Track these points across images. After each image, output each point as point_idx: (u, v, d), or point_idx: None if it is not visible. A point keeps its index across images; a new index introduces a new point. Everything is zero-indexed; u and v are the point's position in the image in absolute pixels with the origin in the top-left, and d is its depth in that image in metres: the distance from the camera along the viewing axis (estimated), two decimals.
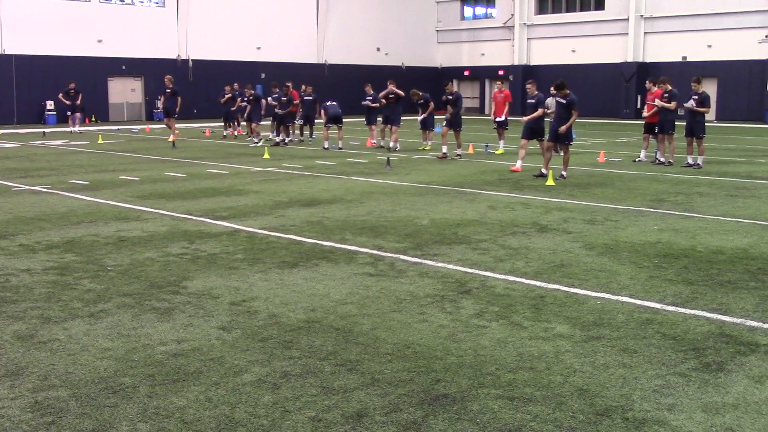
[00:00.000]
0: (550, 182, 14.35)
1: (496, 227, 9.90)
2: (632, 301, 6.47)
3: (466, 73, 53.07)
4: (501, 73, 49.20)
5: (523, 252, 8.37)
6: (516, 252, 8.37)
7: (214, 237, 9.21)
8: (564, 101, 15.06)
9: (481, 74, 52.33)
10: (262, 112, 25.01)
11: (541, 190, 13.58)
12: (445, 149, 19.57)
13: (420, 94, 22.35)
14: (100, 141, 25.06)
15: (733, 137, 29.18)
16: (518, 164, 16.47)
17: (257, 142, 23.33)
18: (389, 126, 23.42)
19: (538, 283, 7.00)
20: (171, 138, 24.98)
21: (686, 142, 17.85)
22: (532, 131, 16.48)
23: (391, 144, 23.66)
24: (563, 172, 15.07)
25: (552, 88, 15.95)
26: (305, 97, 24.54)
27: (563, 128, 14.85)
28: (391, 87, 22.43)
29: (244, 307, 6.21)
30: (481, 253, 8.28)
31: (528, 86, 17.58)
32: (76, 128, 30.34)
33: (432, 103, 22.82)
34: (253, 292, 6.66)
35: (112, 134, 29.14)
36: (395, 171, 16.84)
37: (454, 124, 19.76)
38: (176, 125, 26.33)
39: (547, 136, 15.85)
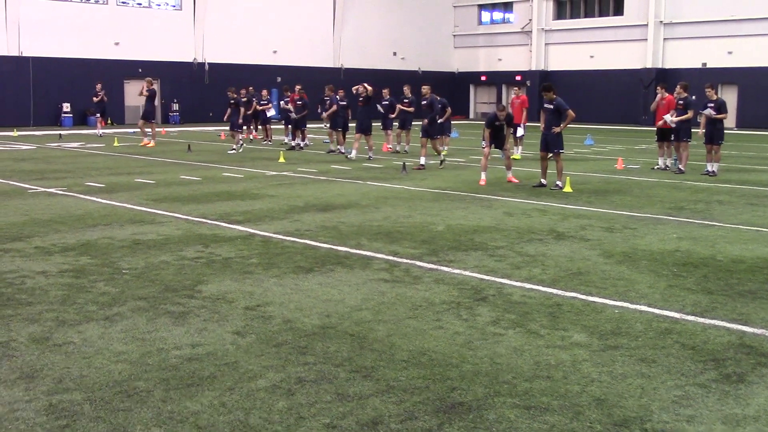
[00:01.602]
0: (567, 189, 14.29)
1: (512, 234, 9.87)
2: (651, 310, 6.43)
3: (483, 78, 53.07)
4: (518, 78, 49.16)
5: (540, 259, 8.33)
6: (533, 259, 8.34)
7: (229, 241, 9.24)
8: (551, 106, 14.60)
9: (498, 80, 52.30)
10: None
11: (558, 197, 13.53)
12: (422, 160, 18.38)
13: (413, 94, 22.33)
14: (116, 144, 25.22)
15: (754, 145, 28.96)
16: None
17: (235, 149, 22.80)
18: (404, 130, 23.47)
19: (555, 291, 6.97)
20: (148, 143, 25.00)
21: (706, 149, 17.67)
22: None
23: (406, 147, 23.72)
24: (558, 182, 14.65)
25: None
26: (339, 102, 24.31)
27: (557, 130, 14.49)
28: (362, 86, 21.35)
29: (258, 312, 6.22)
30: (497, 260, 8.26)
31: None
32: (99, 131, 30.27)
33: (449, 108, 22.81)
34: (267, 297, 6.67)
35: (128, 137, 29.31)
36: (411, 176, 16.83)
37: (431, 131, 18.56)
38: (156, 130, 26.24)
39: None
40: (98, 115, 30.67)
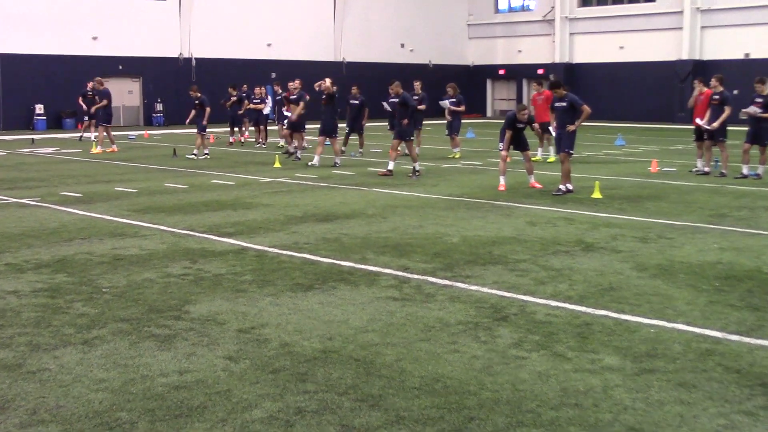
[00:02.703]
0: (596, 195, 14.29)
1: (536, 245, 9.87)
2: (690, 329, 6.42)
3: (501, 71, 53.13)
4: (540, 72, 49.22)
5: (566, 273, 8.33)
6: (559, 273, 8.34)
7: (219, 256, 9.26)
8: (564, 103, 14.77)
9: (518, 73, 52.34)
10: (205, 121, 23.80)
11: (586, 204, 13.53)
12: (391, 165, 18.02)
13: (424, 90, 22.33)
14: (94, 149, 25.32)
15: None
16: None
17: (196, 154, 22.70)
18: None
19: (583, 309, 6.97)
20: (109, 149, 25.13)
21: (743, 149, 17.46)
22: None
23: (416, 149, 23.72)
24: (562, 186, 14.70)
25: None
26: (351, 101, 24.28)
27: (571, 128, 14.58)
28: (324, 83, 20.99)
29: (253, 335, 6.23)
30: (519, 275, 8.26)
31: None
32: (92, 135, 30.12)
33: (464, 105, 22.88)
34: (263, 318, 6.68)
35: (107, 141, 29.41)
36: (422, 182, 16.85)
37: (404, 133, 18.11)
38: (112, 134, 26.29)
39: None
40: (87, 118, 30.37)
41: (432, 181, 17.11)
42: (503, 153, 15.57)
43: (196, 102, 23.18)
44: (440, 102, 23.56)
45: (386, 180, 17.24)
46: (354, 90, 24.63)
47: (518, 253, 9.39)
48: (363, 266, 8.68)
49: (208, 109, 22.87)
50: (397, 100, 23.23)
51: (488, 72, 54.10)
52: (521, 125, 15.45)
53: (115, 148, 25.52)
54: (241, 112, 28.21)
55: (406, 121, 17.92)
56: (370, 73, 46.83)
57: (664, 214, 12.44)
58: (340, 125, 21.99)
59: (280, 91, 23.47)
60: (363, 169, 19.27)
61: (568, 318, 6.71)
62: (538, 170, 17.58)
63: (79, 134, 31.27)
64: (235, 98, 28.19)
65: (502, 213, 12.60)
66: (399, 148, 18.63)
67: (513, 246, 9.85)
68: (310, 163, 20.15)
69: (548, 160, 21.09)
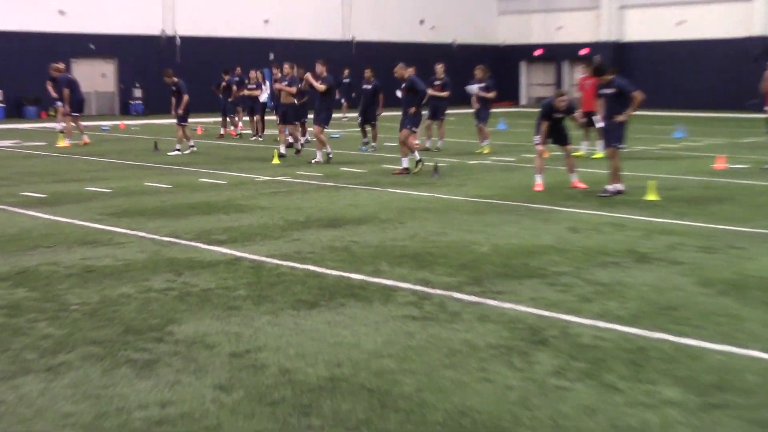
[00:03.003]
0: (651, 196, 14.22)
1: (579, 256, 9.84)
2: (766, 356, 6.36)
3: (538, 52, 53.06)
4: (583, 52, 49.12)
5: (616, 289, 8.29)
6: (607, 289, 8.30)
7: (209, 267, 9.27)
8: (611, 90, 14.75)
9: (558, 54, 52.31)
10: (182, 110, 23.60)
11: (639, 207, 13.47)
12: (405, 162, 18.02)
13: (447, 74, 22.29)
14: (61, 142, 25.43)
15: None
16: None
17: (179, 149, 22.75)
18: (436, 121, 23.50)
19: (637, 331, 6.92)
20: (80, 142, 25.33)
21: None
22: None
23: (439, 143, 23.73)
24: (610, 187, 14.66)
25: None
26: (363, 86, 24.31)
27: (620, 118, 14.48)
28: (308, 75, 21.12)
29: (248, 360, 6.21)
30: (560, 291, 8.22)
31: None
32: (58, 126, 30.16)
33: (494, 91, 22.87)
34: (259, 341, 6.67)
35: (77, 133, 29.54)
36: (445, 181, 16.83)
37: (412, 123, 18.07)
38: (84, 124, 26.43)
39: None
40: (59, 103, 30.17)
41: (457, 180, 17.09)
42: (539, 147, 15.53)
43: (173, 88, 23.24)
44: (467, 88, 23.58)
45: (404, 178, 17.22)
46: (367, 73, 24.65)
47: (559, 265, 9.34)
48: (377, 280, 8.66)
49: (185, 97, 22.87)
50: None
51: (522, 53, 54.06)
52: (560, 115, 15.41)
53: (86, 140, 25.63)
54: (231, 99, 28.29)
55: (413, 109, 17.89)
56: (384, 54, 46.89)
57: (732, 220, 12.37)
58: (350, 114, 22.06)
59: (280, 75, 23.49)
60: (376, 167, 19.27)
61: (618, 342, 6.66)
62: (582, 167, 17.53)
63: (52, 124, 31.28)
64: (225, 84, 28.29)
65: (540, 217, 12.55)
66: (415, 140, 18.65)
67: (552, 256, 9.81)
68: (313, 161, 20.15)
69: (594, 156, 21.03)
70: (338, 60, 42.96)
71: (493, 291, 8.22)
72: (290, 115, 22.31)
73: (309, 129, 23.80)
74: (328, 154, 20.32)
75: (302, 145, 23.24)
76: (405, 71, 18.49)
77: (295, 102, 22.18)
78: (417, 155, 17.96)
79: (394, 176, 17.54)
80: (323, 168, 19.11)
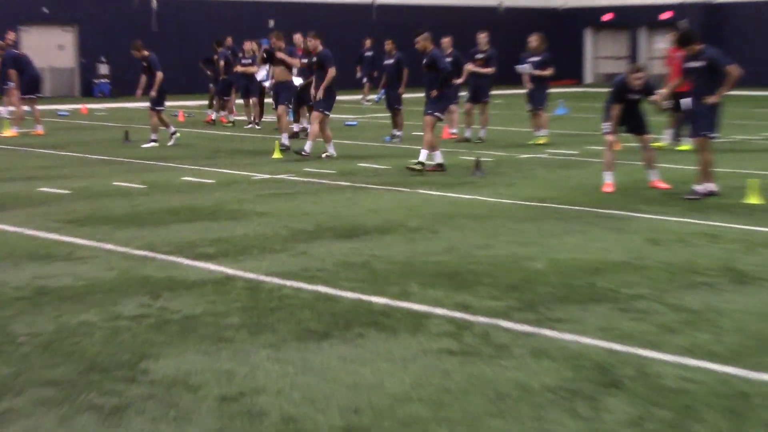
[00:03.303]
0: (752, 199, 14.14)
1: (661, 275, 9.80)
2: None
3: (606, 17, 52.99)
4: (665, 16, 48.98)
5: (709, 317, 8.25)
6: (697, 317, 8.26)
7: (193, 288, 9.27)
8: (700, 63, 14.69)
9: (632, 19, 52.19)
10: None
11: (737, 213, 13.41)
12: (439, 157, 18.01)
13: (492, 46, 22.30)
14: (5, 131, 25.56)
15: None
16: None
17: (155, 140, 22.74)
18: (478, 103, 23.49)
19: (736, 371, 6.87)
20: (33, 131, 25.55)
21: None
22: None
23: (482, 132, 23.66)
24: (699, 187, 14.62)
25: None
26: (385, 61, 24.34)
27: (712, 99, 14.34)
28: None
29: (242, 406, 6.21)
30: (636, 319, 8.18)
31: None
32: (5, 111, 30.23)
33: (551, 67, 22.81)
34: (257, 381, 6.66)
35: (26, 119, 29.71)
36: (490, 180, 16.81)
37: (439, 106, 18.29)
38: (38, 108, 26.72)
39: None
40: (11, 84, 30.00)
41: (505, 178, 17.06)
42: (610, 137, 15.46)
43: (143, 64, 23.21)
44: (517, 68, 23.51)
45: (438, 176, 17.20)
46: (388, 45, 24.69)
47: (634, 286, 9.29)
48: (404, 304, 8.64)
49: (159, 75, 22.62)
50: (449, 59, 23.24)
51: (586, 18, 54.03)
52: (635, 96, 15.33)
53: (39, 129, 25.74)
54: (223, 78, 28.38)
55: (435, 92, 17.89)
56: (412, 20, 46.93)
57: None
58: (372, 97, 22.13)
59: (283, 48, 23.64)
60: (402, 162, 19.23)
61: (712, 384, 6.61)
62: (664, 162, 17.46)
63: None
64: (216, 58, 28.39)
65: (610, 226, 12.51)
66: (451, 128, 18.66)
67: (626, 275, 9.76)
68: (324, 155, 20.15)
69: (679, 148, 20.95)
70: (356, 28, 43.14)
71: (550, 319, 8.19)
72: (284, 95, 22.35)
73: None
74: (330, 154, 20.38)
75: (296, 133, 23.36)
76: (429, 43, 18.38)
77: (292, 80, 22.31)
78: (424, 154, 17.71)
79: (427, 173, 17.51)
80: (336, 163, 19.11)
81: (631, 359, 7.13)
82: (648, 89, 15.53)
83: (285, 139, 21.50)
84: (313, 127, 20.04)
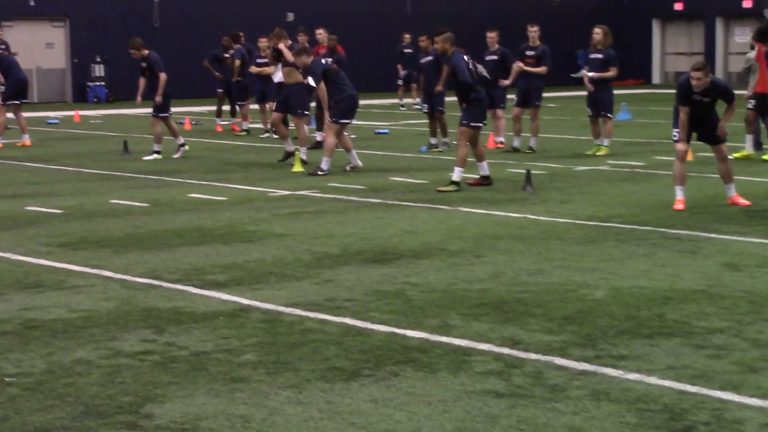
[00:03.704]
0: None
1: (741, 305, 9.76)
2: None
3: (678, 6, 52.79)
4: (747, 4, 48.73)
5: None
6: None
7: (203, 321, 9.30)
8: None
9: (707, 9, 51.94)
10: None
11: None
12: (485, 169, 18.11)
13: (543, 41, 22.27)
14: None
15: None
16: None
17: (157, 152, 22.76)
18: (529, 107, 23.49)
19: None
20: (18, 143, 25.76)
21: None
22: None
23: (532, 141, 23.56)
24: None
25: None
26: (422, 59, 24.37)
27: None
28: (281, 45, 22.21)
29: None
30: (712, 356, 8.15)
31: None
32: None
33: (615, 66, 22.73)
34: (276, 427, 6.68)
35: (11, 127, 29.89)
36: (542, 195, 16.80)
37: (472, 116, 18.14)
38: (25, 116, 26.92)
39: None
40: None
41: (559, 194, 17.04)
42: (680, 146, 15.39)
43: (143, 65, 23.25)
44: (575, 75, 23.46)
45: (482, 192, 17.20)
46: (423, 42, 24.67)
47: (710, 318, 9.26)
48: (444, 339, 8.63)
49: (162, 77, 22.58)
50: (495, 57, 23.21)
51: (655, 7, 53.78)
52: (704, 98, 15.13)
53: (26, 140, 25.88)
54: (239, 79, 28.45)
55: (464, 104, 17.98)
56: (451, 12, 46.95)
57: None
58: (408, 101, 22.13)
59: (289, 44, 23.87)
60: (442, 175, 19.20)
61: None
62: (744, 174, 17.39)
63: None
64: (231, 56, 28.47)
65: (681, 248, 12.48)
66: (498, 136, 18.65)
67: (701, 306, 9.72)
68: (348, 166, 20.14)
69: (764, 157, 20.86)
70: (390, 21, 43.18)
71: (612, 355, 8.17)
72: (295, 102, 22.08)
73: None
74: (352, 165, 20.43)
75: (319, 143, 23.34)
76: (450, 45, 18.22)
77: (305, 81, 22.19)
78: (457, 173, 17.64)
79: (470, 187, 17.52)
80: (364, 177, 19.10)
81: (706, 403, 7.09)
82: (717, 89, 15.27)
83: (303, 153, 21.34)
84: (328, 141, 19.99)
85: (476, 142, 18.19)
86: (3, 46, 29.83)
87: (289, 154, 21.86)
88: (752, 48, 22.12)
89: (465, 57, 17.89)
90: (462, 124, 17.92)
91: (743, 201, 15.47)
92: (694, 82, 14.83)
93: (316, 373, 7.76)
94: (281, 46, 22.42)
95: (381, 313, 9.53)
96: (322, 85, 20.05)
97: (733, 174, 15.81)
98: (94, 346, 8.54)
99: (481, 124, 18.18)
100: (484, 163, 18.03)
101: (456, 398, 7.19)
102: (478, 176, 17.98)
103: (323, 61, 21.03)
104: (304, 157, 21.18)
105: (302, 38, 26.45)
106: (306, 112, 22.56)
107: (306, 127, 22.32)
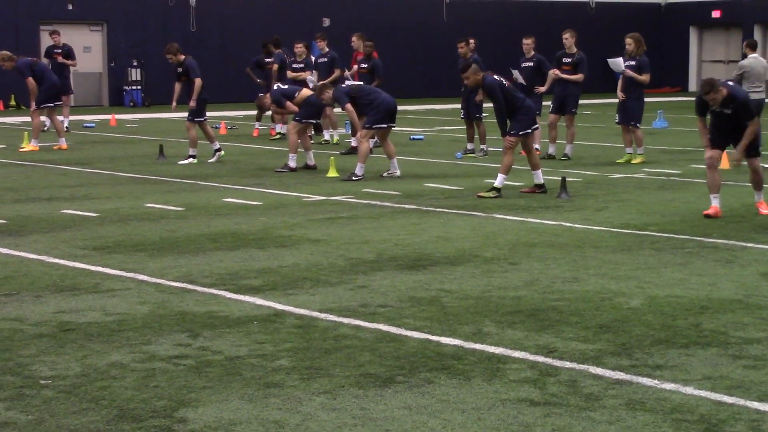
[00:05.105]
0: None
1: None
2: None
3: (716, 13, 52.57)
4: None
5: None
6: None
7: (237, 326, 9.32)
8: None
9: (745, 17, 51.70)
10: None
11: None
12: (539, 177, 18.06)
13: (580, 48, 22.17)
14: (25, 145, 25.80)
15: None
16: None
17: (193, 156, 22.77)
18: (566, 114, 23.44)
19: None
20: (55, 146, 25.80)
21: None
22: None
23: (567, 148, 23.51)
24: None
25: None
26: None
27: None
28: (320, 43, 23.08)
29: None
30: (750, 366, 8.11)
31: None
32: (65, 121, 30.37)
33: (648, 71, 22.62)
34: None
35: (48, 131, 30.00)
36: (578, 203, 16.77)
37: (516, 126, 17.98)
38: (61, 119, 27.07)
39: None
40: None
41: (595, 202, 16.99)
42: (706, 154, 15.27)
43: (179, 70, 23.25)
44: (610, 61, 23.38)
45: (518, 199, 17.15)
46: (462, 48, 24.61)
47: (747, 329, 9.21)
48: (478, 346, 8.63)
49: (197, 82, 22.57)
50: (531, 64, 23.26)
51: (693, 15, 53.58)
52: (726, 110, 14.94)
53: (63, 144, 25.94)
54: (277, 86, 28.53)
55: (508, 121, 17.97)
56: (487, 17, 46.90)
57: None
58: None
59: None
60: (478, 182, 19.19)
61: None
62: None
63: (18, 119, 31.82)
64: (272, 61, 28.52)
65: (718, 257, 12.42)
66: (534, 142, 18.62)
67: (738, 316, 9.68)
68: (386, 173, 20.13)
69: None
70: (425, 27, 43.17)
71: (648, 365, 8.14)
72: (303, 109, 21.74)
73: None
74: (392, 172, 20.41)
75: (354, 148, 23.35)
76: (478, 75, 18.17)
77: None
78: (500, 179, 17.63)
79: (521, 194, 17.49)
80: (400, 184, 19.10)
81: (743, 414, 7.06)
82: (736, 103, 15.04)
83: (292, 161, 21.23)
84: (362, 147, 19.97)
85: (531, 151, 18.25)
86: (58, 50, 30.02)
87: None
88: (744, 57, 22.99)
89: (496, 78, 17.95)
90: (510, 134, 17.84)
91: (764, 210, 15.29)
92: (712, 95, 14.75)
93: (350, 379, 7.77)
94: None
95: (415, 319, 9.53)
96: (349, 106, 20.40)
97: (763, 182, 15.59)
98: (129, 349, 8.57)
99: (530, 130, 18.16)
100: (539, 172, 17.99)
101: (490, 406, 7.18)
102: (531, 186, 17.98)
103: (345, 83, 22.03)
104: (293, 164, 21.19)
105: (320, 44, 26.82)
106: (304, 120, 22.16)
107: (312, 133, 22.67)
